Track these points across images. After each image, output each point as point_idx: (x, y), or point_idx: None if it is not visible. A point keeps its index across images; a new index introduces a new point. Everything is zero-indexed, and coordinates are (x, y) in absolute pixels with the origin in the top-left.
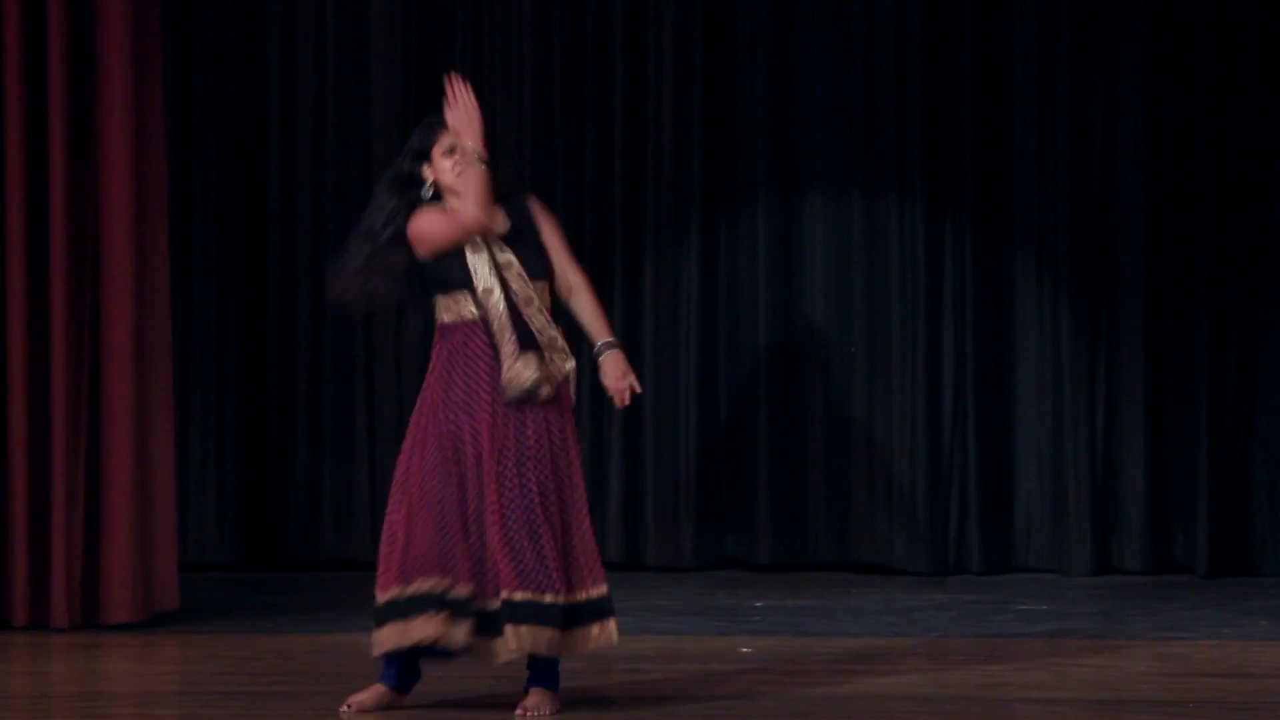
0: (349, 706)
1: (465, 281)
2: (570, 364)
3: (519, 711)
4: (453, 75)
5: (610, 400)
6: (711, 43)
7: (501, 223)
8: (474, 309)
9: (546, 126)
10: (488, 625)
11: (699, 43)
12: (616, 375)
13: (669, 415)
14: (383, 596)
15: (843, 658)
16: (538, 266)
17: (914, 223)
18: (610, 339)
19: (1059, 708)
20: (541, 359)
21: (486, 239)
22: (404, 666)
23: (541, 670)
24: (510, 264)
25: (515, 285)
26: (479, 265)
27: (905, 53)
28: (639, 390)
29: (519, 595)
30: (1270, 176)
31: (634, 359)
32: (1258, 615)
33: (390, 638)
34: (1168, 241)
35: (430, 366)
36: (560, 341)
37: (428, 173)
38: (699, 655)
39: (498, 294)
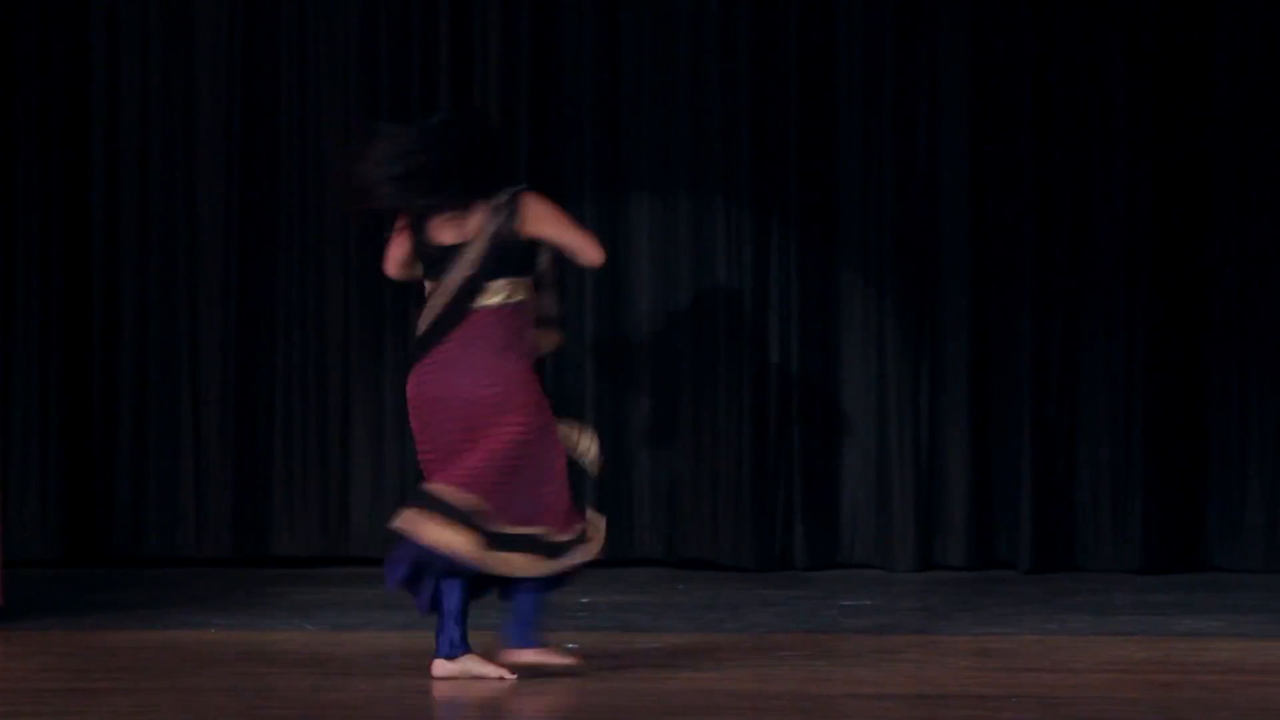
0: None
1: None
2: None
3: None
4: None
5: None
6: (538, 44)
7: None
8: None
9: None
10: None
11: (525, 46)
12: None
13: None
14: None
15: (669, 654)
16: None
17: (740, 222)
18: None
19: (883, 703)
20: None
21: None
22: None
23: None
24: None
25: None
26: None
27: (731, 54)
28: None
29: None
30: (1093, 177)
31: None
32: (1079, 611)
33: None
34: (991, 242)
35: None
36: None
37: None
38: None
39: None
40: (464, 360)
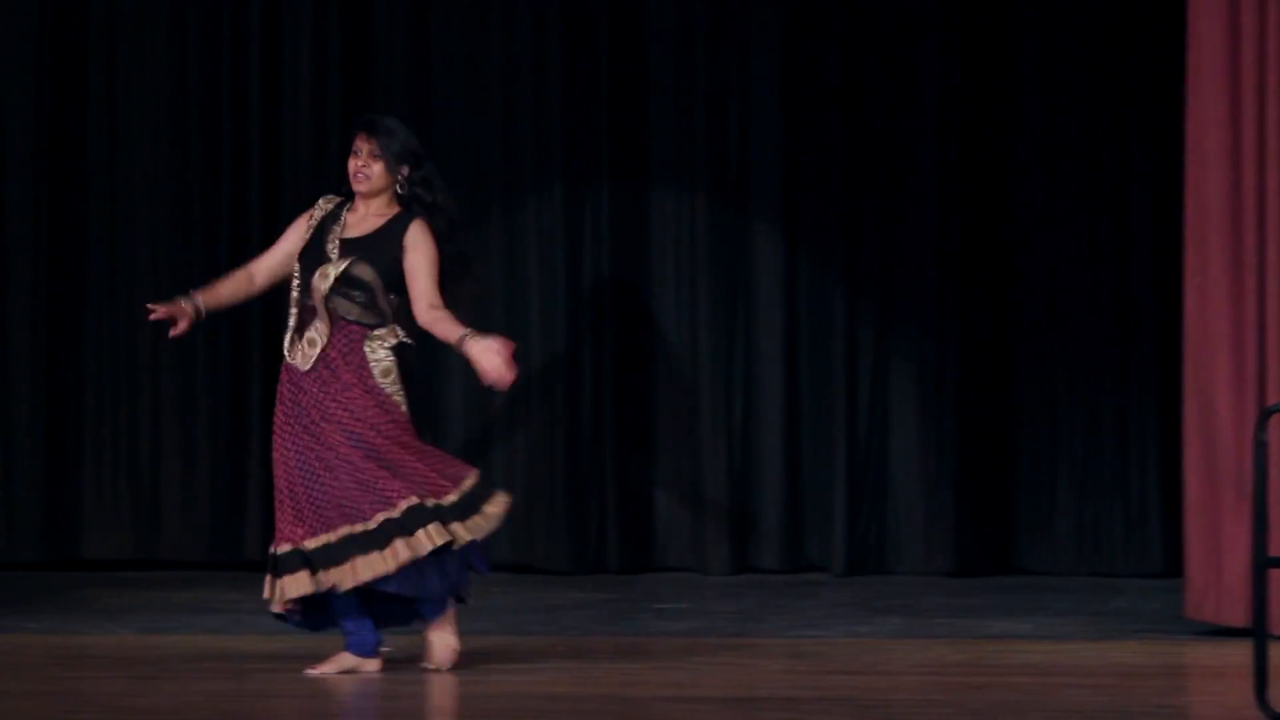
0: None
1: None
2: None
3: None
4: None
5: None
6: (349, 39)
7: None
8: None
9: (182, 128)
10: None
11: (337, 42)
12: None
13: None
14: None
15: (482, 656)
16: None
17: (553, 221)
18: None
19: (696, 705)
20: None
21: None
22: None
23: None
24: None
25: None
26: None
27: (543, 46)
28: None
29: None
30: (904, 172)
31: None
32: (891, 614)
33: None
34: (803, 244)
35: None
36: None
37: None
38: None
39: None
40: None
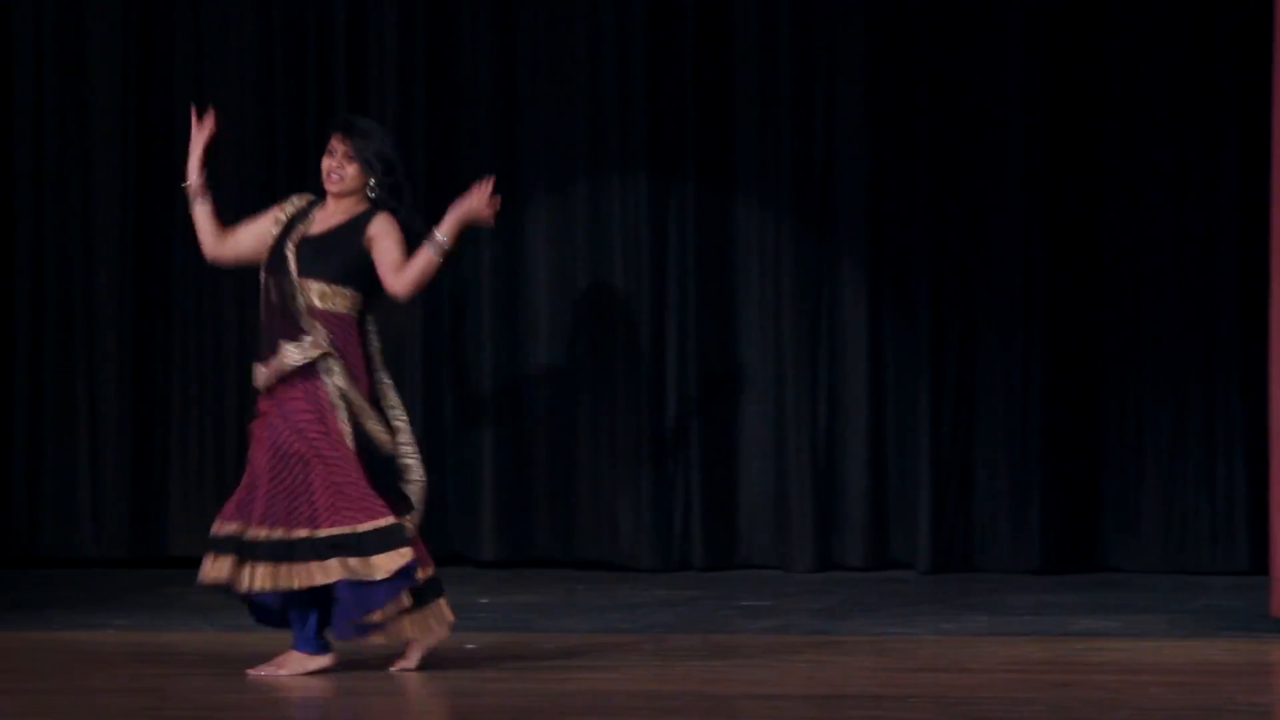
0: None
1: None
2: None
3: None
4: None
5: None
6: (434, 29)
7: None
8: None
9: (268, 127)
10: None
11: (422, 31)
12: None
13: None
14: None
15: (567, 654)
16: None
17: (637, 215)
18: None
19: (780, 703)
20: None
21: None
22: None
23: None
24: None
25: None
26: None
27: (627, 34)
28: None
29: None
30: (989, 174)
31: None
32: (976, 611)
33: None
34: (888, 243)
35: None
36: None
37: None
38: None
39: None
40: None
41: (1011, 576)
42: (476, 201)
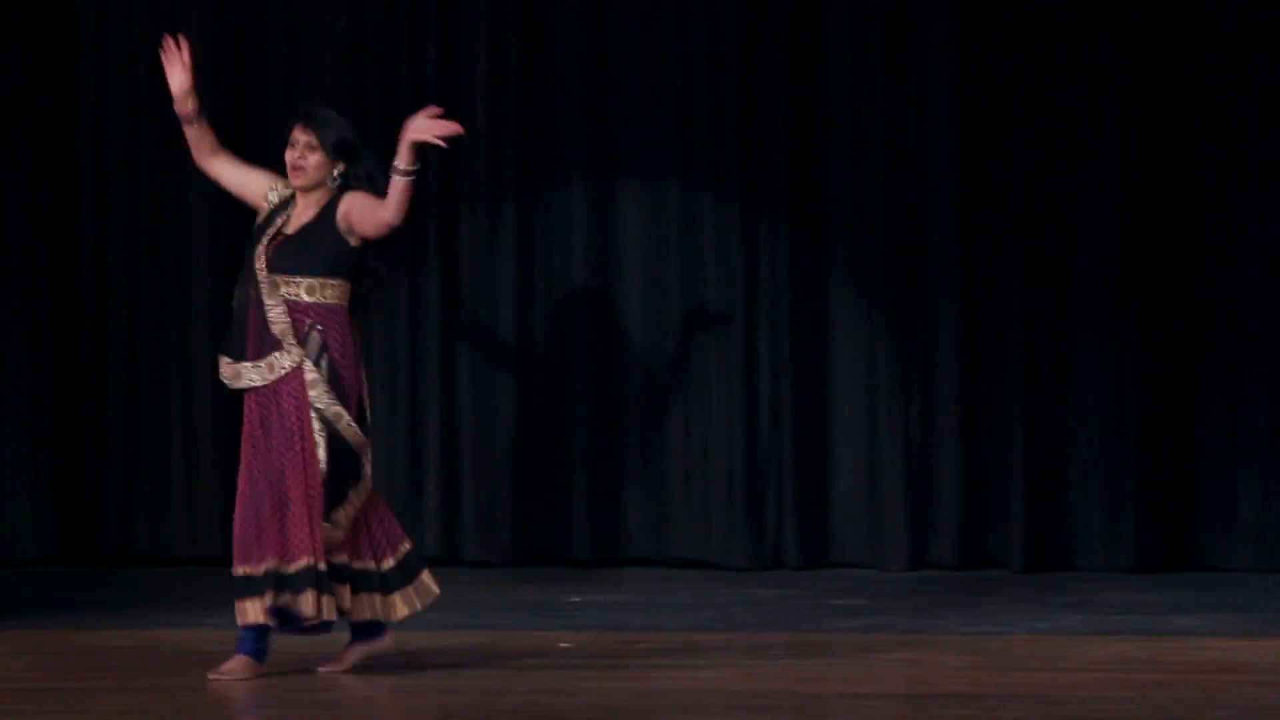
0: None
1: None
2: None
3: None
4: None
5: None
6: (527, 32)
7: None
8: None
9: (360, 109)
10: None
11: (513, 31)
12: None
13: (486, 410)
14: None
15: (659, 653)
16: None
17: (729, 218)
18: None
19: (873, 702)
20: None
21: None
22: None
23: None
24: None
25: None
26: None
27: (719, 46)
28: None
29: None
30: (1082, 174)
31: (451, 352)
32: (1071, 610)
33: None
34: (980, 242)
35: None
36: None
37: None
38: (515, 652)
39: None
40: None
41: (1105, 575)
42: (422, 121)
